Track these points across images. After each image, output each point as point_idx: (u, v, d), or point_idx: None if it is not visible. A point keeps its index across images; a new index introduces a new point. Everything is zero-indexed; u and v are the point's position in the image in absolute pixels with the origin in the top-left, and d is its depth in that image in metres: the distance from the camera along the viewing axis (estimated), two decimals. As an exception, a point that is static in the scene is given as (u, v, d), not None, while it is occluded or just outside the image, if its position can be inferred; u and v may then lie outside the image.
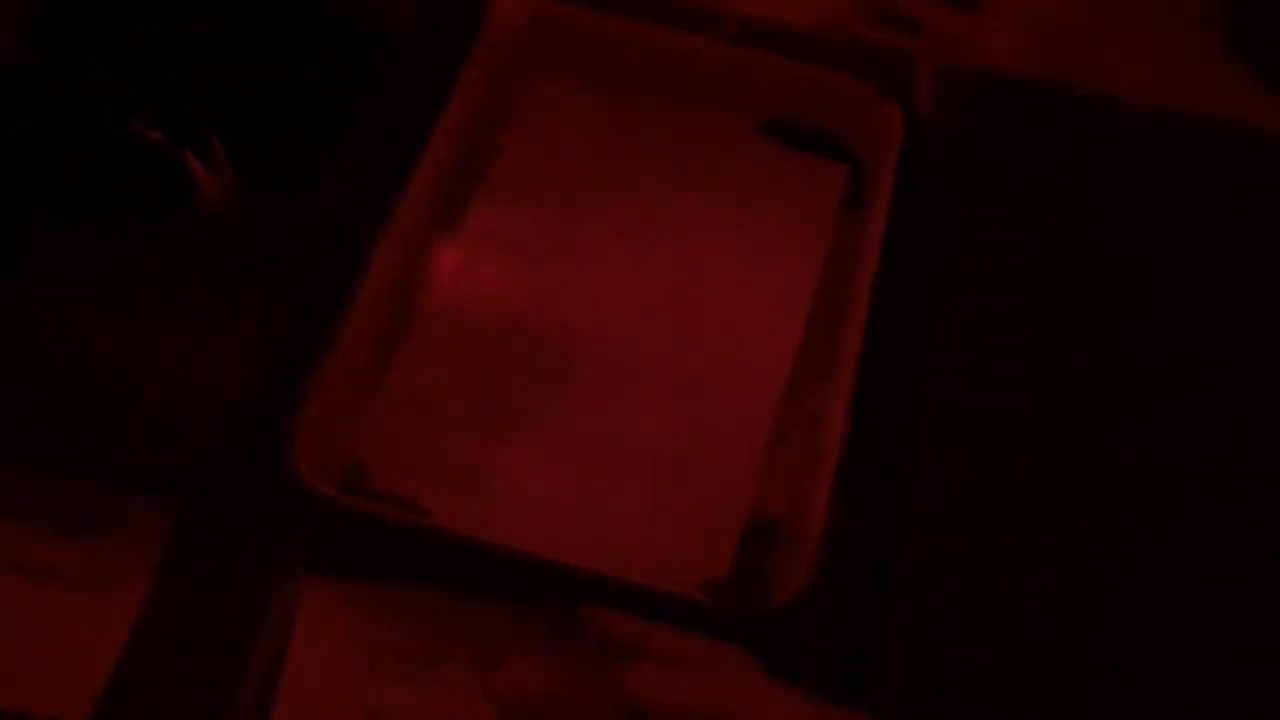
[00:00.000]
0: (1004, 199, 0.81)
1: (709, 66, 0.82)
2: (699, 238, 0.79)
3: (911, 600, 0.68)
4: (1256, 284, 0.79)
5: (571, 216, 0.80)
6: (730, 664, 0.59)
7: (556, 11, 0.83)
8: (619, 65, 0.83)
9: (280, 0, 0.81)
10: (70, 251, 0.76)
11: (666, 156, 0.82)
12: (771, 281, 0.78)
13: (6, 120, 0.77)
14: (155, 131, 0.77)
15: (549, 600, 0.66)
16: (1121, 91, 0.85)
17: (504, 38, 0.81)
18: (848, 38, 0.87)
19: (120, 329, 0.73)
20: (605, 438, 0.72)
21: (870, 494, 0.70)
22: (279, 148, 0.78)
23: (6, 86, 0.78)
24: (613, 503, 0.70)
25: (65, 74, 0.79)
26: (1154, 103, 0.85)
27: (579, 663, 0.60)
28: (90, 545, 0.68)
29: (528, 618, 0.67)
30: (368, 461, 0.71)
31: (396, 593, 0.67)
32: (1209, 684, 0.67)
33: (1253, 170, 0.84)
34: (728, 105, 0.83)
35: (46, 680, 0.65)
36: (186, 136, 0.77)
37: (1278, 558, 0.70)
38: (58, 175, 0.77)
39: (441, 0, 0.82)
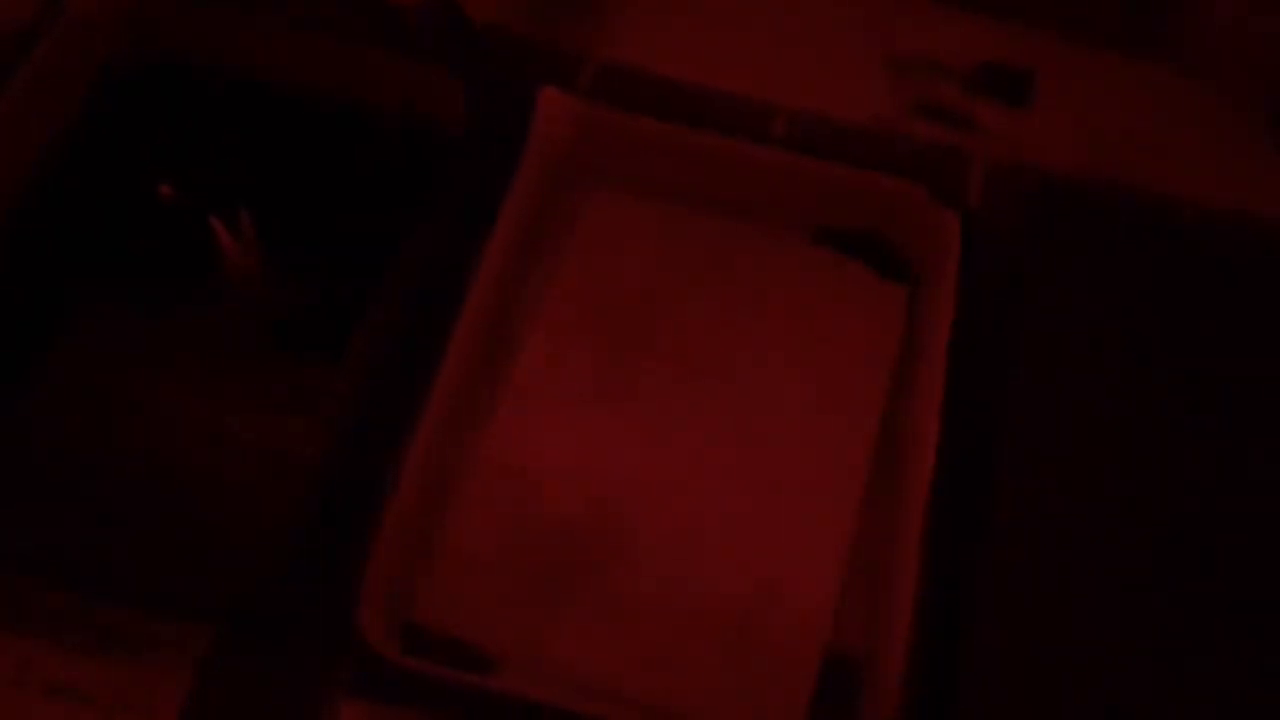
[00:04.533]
0: (1060, 303, 0.79)
1: (761, 175, 0.81)
2: (758, 370, 0.77)
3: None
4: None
5: (626, 353, 0.77)
6: None
7: (602, 118, 0.81)
8: (668, 174, 0.81)
9: (329, 96, 0.79)
10: (97, 324, 0.76)
11: (720, 277, 0.80)
12: (835, 411, 0.76)
13: (47, 189, 0.76)
14: (184, 198, 0.76)
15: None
16: (1174, 191, 0.84)
17: (550, 148, 0.80)
18: (897, 134, 0.85)
19: (147, 417, 0.73)
20: (672, 585, 0.70)
21: (944, 627, 0.68)
22: (314, 232, 0.77)
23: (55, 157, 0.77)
24: (683, 653, 0.68)
25: (104, 144, 0.79)
26: (1208, 203, 0.84)
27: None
28: (124, 668, 0.66)
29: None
30: (428, 609, 0.69)
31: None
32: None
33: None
34: (781, 213, 0.81)
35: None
36: (215, 206, 0.76)
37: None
38: (87, 241, 0.77)
39: (490, 102, 0.80)
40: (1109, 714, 0.67)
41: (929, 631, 0.66)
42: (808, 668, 0.68)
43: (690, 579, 0.70)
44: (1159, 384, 0.77)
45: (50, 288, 0.77)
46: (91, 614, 0.67)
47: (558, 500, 0.72)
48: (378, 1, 0.79)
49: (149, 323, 0.76)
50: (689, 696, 0.67)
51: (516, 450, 0.74)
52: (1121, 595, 0.70)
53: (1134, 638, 0.69)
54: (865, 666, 0.68)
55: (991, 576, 0.70)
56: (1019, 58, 0.89)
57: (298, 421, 0.72)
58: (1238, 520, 0.73)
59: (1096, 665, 0.68)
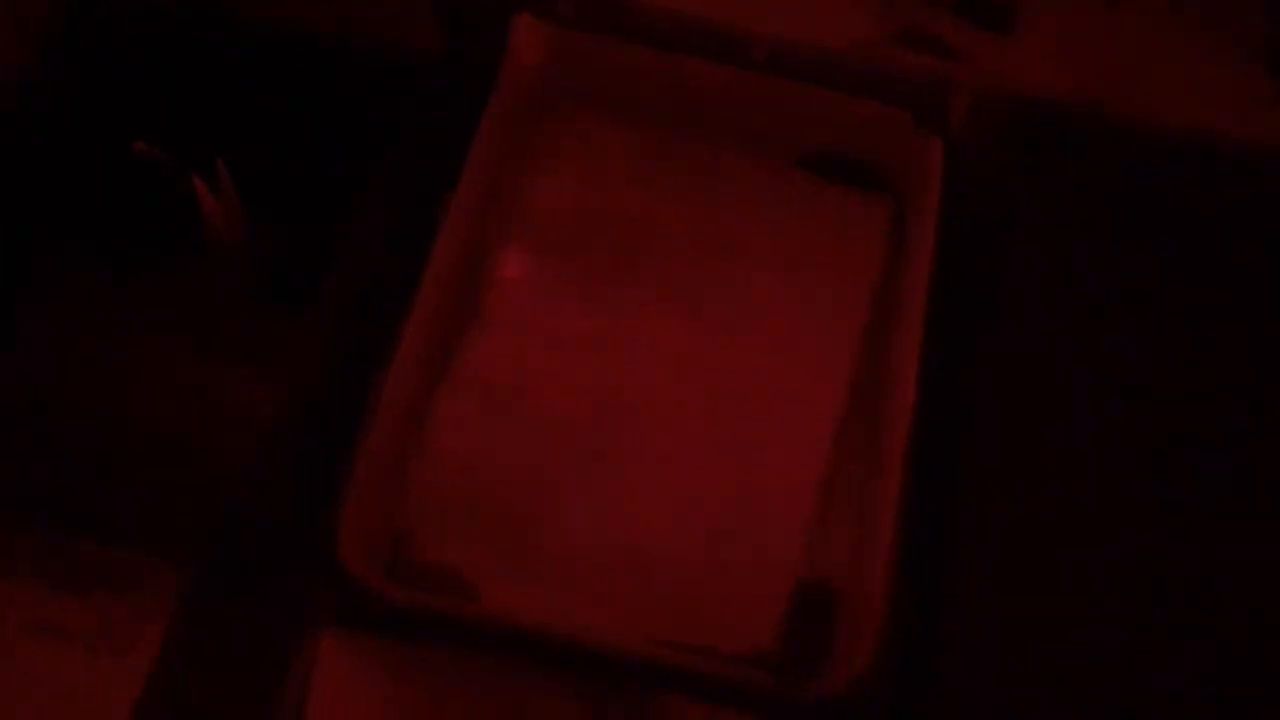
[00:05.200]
0: (1046, 229, 0.79)
1: (742, 100, 0.80)
2: (739, 288, 0.77)
3: (970, 665, 0.66)
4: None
5: (604, 277, 0.77)
6: None
7: (577, 42, 0.80)
8: (648, 98, 0.80)
9: (301, 29, 0.78)
10: (75, 284, 0.75)
11: (701, 201, 0.79)
12: (816, 332, 0.76)
13: (8, 142, 0.75)
14: (159, 153, 0.75)
15: (598, 681, 0.64)
16: (1160, 116, 0.83)
17: (525, 75, 0.79)
18: (879, 61, 0.84)
19: (131, 370, 0.72)
20: (651, 500, 0.71)
21: (923, 557, 0.68)
22: (292, 177, 0.77)
23: (13, 107, 0.76)
24: (660, 569, 0.69)
25: (70, 95, 0.77)
26: (1195, 128, 0.83)
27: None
28: (103, 604, 0.66)
29: (565, 688, 0.64)
30: (410, 532, 0.69)
31: (425, 653, 0.65)
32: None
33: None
34: (763, 139, 0.80)
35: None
36: (191, 160, 0.75)
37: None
38: (60, 198, 0.76)
39: (468, 29, 0.79)
40: (1090, 647, 0.67)
41: (908, 561, 0.66)
42: (779, 589, 0.68)
43: (667, 499, 0.71)
44: (1148, 313, 0.77)
45: (24, 247, 0.76)
46: (72, 552, 0.67)
47: (534, 425, 0.72)
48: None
49: (130, 281, 0.76)
50: (666, 607, 0.68)
51: (494, 377, 0.73)
52: (1106, 526, 0.70)
53: (1117, 571, 0.69)
54: (844, 596, 0.68)
55: (973, 506, 0.70)
56: (1003, -18, 0.88)
57: (285, 369, 0.71)
58: (1229, 444, 0.73)
59: (1078, 596, 0.68)
